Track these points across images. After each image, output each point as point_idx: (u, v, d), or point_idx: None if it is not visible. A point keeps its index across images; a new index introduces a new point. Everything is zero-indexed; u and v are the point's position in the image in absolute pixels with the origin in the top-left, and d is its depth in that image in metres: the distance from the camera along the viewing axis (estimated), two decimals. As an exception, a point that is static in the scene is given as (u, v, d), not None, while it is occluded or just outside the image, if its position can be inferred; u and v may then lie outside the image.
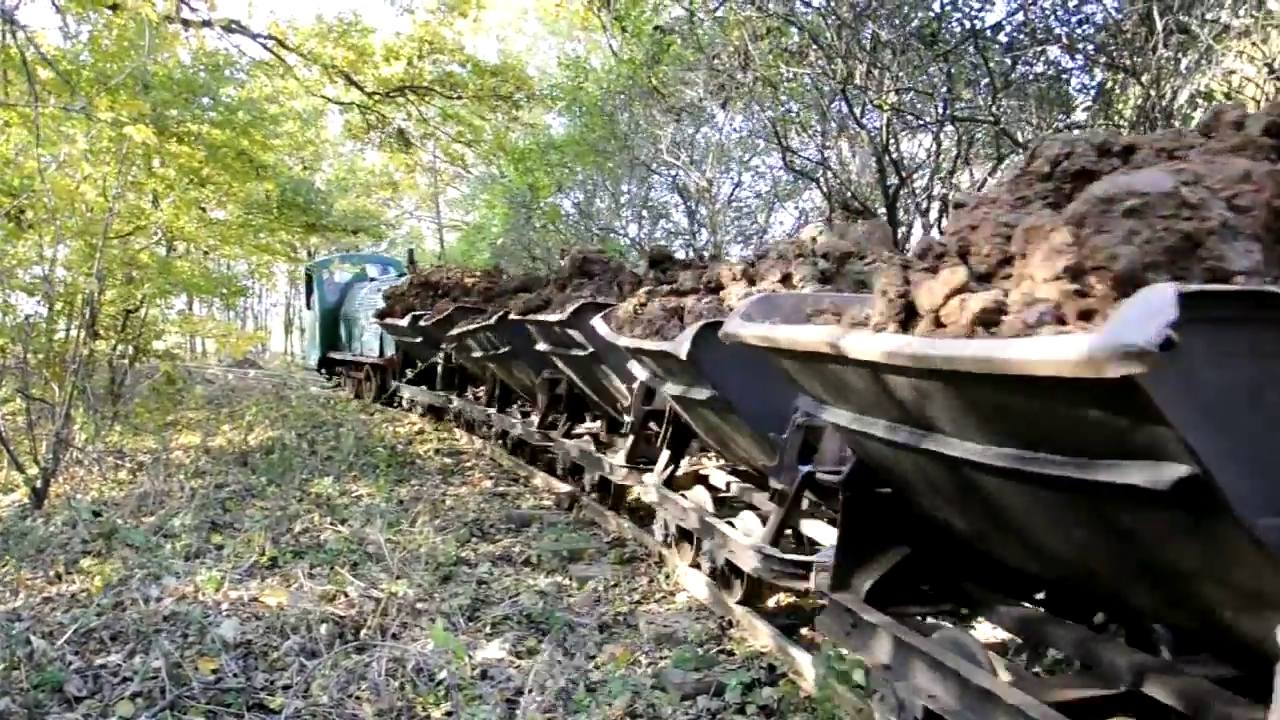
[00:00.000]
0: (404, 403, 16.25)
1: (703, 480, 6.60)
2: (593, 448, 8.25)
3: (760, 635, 5.04)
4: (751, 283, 5.61)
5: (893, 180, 11.52)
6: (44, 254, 10.57)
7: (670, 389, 5.61)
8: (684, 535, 6.19)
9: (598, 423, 8.97)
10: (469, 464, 11.29)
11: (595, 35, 21.18)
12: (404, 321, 14.02)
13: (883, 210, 11.65)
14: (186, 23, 14.07)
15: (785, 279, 5.50)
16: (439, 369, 13.97)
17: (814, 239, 5.86)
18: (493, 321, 9.74)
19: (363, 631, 4.94)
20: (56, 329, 11.07)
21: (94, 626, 4.89)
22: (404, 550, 6.63)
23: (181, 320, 18.03)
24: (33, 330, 10.51)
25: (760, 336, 3.43)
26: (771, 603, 5.62)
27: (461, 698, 4.19)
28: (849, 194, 12.52)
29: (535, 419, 9.82)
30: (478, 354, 11.10)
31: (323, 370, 21.99)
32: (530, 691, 4.29)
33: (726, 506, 6.11)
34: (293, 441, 11.47)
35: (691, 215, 20.52)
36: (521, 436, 10.31)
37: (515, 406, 11.58)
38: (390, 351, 16.92)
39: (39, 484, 8.19)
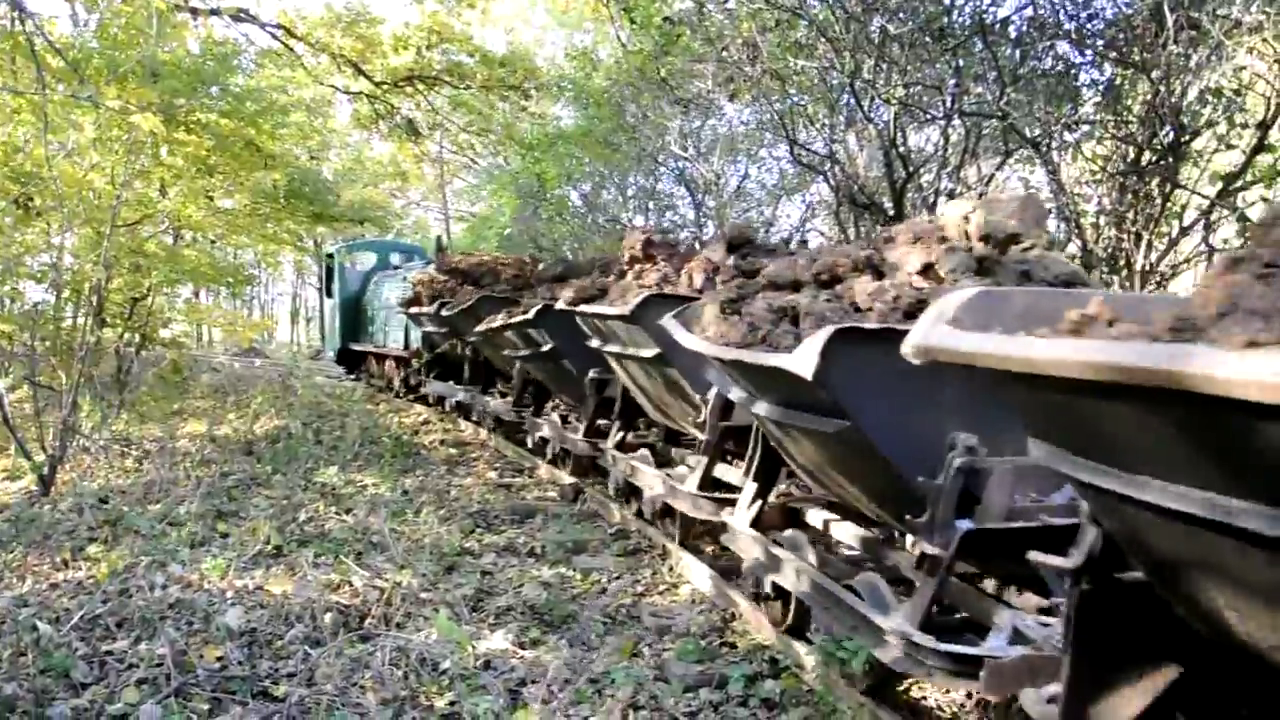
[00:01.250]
0: (430, 399, 15.41)
1: (796, 519, 5.31)
2: (651, 466, 7.05)
3: (763, 628, 5.05)
4: (879, 275, 4.52)
5: (900, 174, 11.49)
6: (52, 241, 10.63)
7: (765, 410, 4.41)
8: (780, 593, 4.91)
9: (652, 430, 8.04)
10: (474, 454, 11.31)
11: (604, 26, 21.15)
12: (429, 309, 13.12)
13: (890, 204, 11.62)
14: (195, 11, 14.07)
15: (926, 270, 4.38)
16: (465, 363, 13.29)
17: (966, 218, 4.47)
18: (532, 314, 8.52)
19: (367, 621, 4.96)
20: (64, 316, 11.12)
21: (100, 613, 4.91)
22: (408, 540, 6.66)
23: (188, 309, 18.09)
24: (40, 318, 10.57)
25: (1009, 356, 1.99)
26: (932, 700, 4.32)
27: (465, 688, 4.21)
28: (856, 187, 12.48)
29: (580, 425, 8.76)
30: (511, 349, 10.04)
31: (343, 362, 21.28)
32: (534, 682, 4.31)
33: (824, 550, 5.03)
34: (298, 430, 11.50)
35: (698, 207, 20.49)
36: (562, 442, 9.25)
37: (549, 407, 10.39)
38: (416, 343, 15.88)
39: (46, 471, 8.23)
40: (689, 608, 5.63)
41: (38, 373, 9.82)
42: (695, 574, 6.07)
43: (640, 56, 16.58)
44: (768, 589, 4.96)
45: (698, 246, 8.48)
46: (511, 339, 9.83)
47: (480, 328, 10.55)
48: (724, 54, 13.48)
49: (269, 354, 31.92)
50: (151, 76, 11.78)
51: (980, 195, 11.54)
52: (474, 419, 13.07)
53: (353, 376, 20.15)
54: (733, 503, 5.54)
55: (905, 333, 2.37)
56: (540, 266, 12.40)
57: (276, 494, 8.09)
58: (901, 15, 10.85)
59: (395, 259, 19.98)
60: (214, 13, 14.04)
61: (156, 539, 6.42)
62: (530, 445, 10.49)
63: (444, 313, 12.24)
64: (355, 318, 19.80)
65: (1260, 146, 8.62)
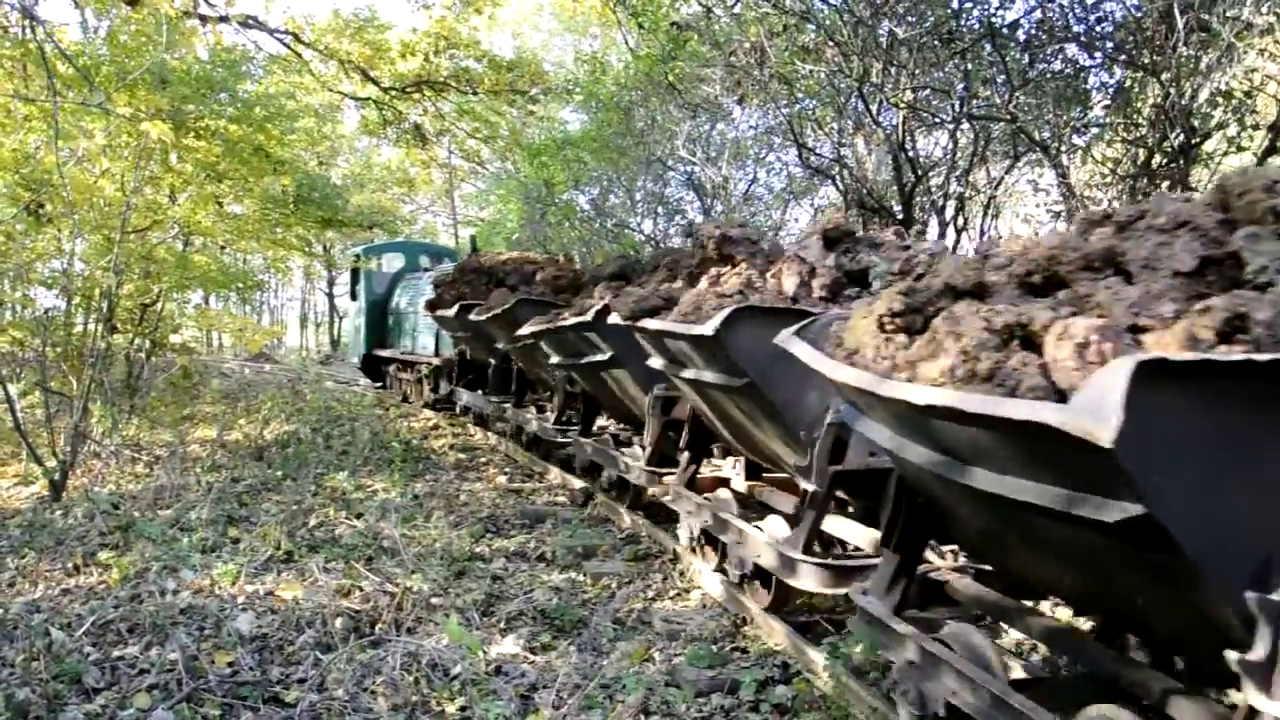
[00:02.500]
0: (457, 409, 14.42)
1: (940, 593, 4.15)
2: (735, 513, 5.78)
3: (775, 634, 5.04)
4: (1123, 274, 2.90)
5: (909, 178, 11.48)
6: (63, 248, 10.66)
7: (981, 480, 2.93)
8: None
9: (728, 460, 6.88)
10: (483, 459, 11.31)
11: (611, 31, 21.18)
12: (452, 312, 12.19)
13: (899, 208, 11.61)
14: (204, 18, 14.09)
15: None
16: (491, 371, 12.38)
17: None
18: (589, 316, 7.34)
19: (378, 626, 4.97)
20: (75, 323, 11.15)
21: (112, 618, 4.93)
22: (419, 545, 6.66)
23: (198, 314, 18.09)
24: (51, 324, 10.60)
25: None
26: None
27: (476, 693, 4.20)
28: (865, 191, 12.48)
29: (639, 448, 7.69)
30: (557, 360, 8.80)
31: (368, 370, 20.07)
32: (544, 688, 4.30)
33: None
34: (308, 436, 11.52)
35: (707, 212, 20.47)
36: (618, 470, 7.95)
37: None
38: (448, 350, 14.85)
39: (57, 477, 8.26)
40: (700, 612, 5.62)
41: (49, 379, 9.86)
42: (706, 579, 6.06)
43: (648, 61, 16.60)
44: (937, 712, 3.48)
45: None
46: (554, 347, 8.66)
47: (524, 331, 9.20)
48: (732, 58, 13.50)
49: (279, 359, 31.98)
50: (161, 83, 11.82)
51: (991, 198, 11.54)
52: (502, 433, 12.00)
53: (378, 385, 19.24)
54: (856, 572, 4.64)
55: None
56: (580, 266, 11.42)
57: (287, 499, 8.10)
58: (910, 19, 10.86)
59: (424, 261, 19.15)
60: (223, 19, 14.06)
61: (167, 544, 6.43)
62: (578, 469, 9.10)
63: (473, 317, 11.27)
64: (381, 322, 18.84)
65: (1272, 149, 8.59)
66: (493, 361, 12.13)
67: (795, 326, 4.22)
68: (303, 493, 8.40)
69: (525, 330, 9.14)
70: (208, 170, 13.81)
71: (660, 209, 22.74)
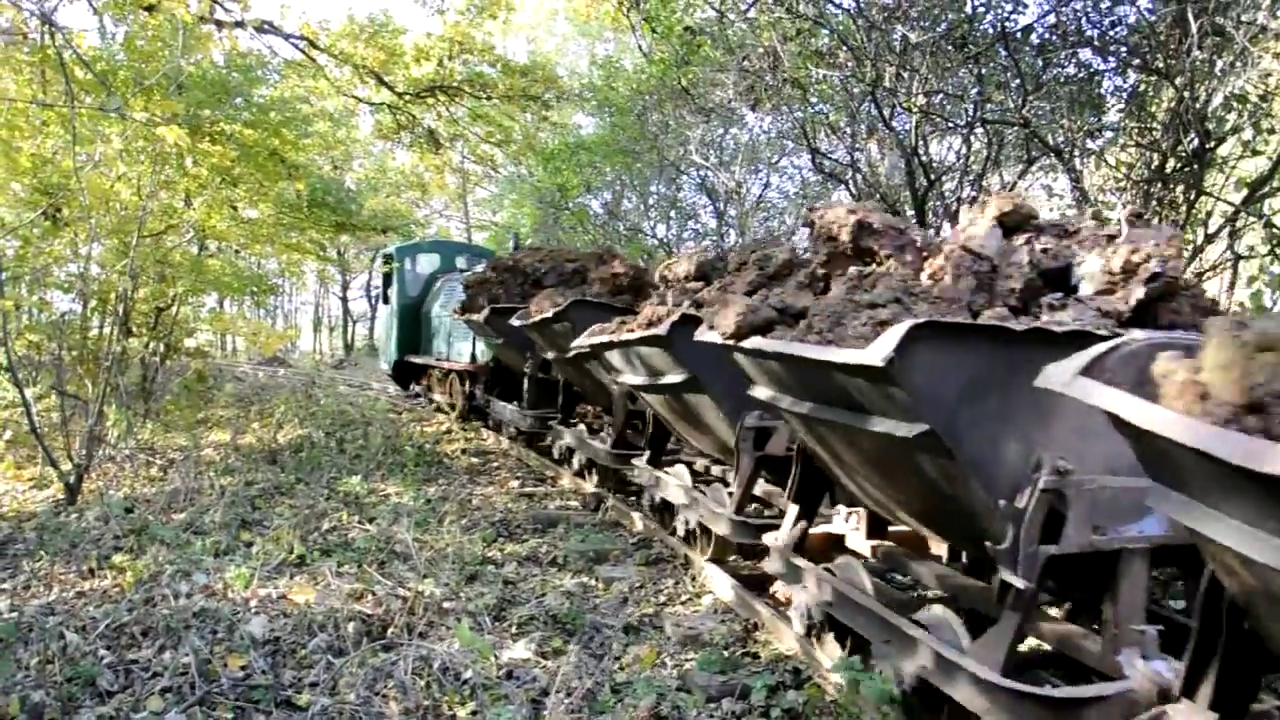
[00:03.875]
0: (490, 421, 13.55)
1: None
2: (867, 589, 4.54)
3: (785, 638, 5.03)
4: None
5: (922, 182, 11.45)
6: (79, 252, 10.71)
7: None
8: None
9: (840, 512, 5.39)
10: (496, 464, 11.33)
11: (625, 36, 21.22)
12: (482, 316, 11.17)
13: (911, 213, 11.59)
14: (220, 24, 14.19)
15: None
16: (527, 381, 11.37)
17: None
18: (661, 331, 5.97)
19: (389, 630, 4.98)
20: (90, 326, 11.21)
21: (125, 622, 4.95)
22: (431, 549, 6.67)
23: (212, 318, 18.17)
24: (67, 327, 10.66)
25: None
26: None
27: (487, 697, 4.21)
28: (878, 196, 12.46)
29: (729, 496, 6.23)
30: (614, 373, 7.55)
31: (399, 378, 18.97)
32: (556, 692, 4.31)
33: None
34: (321, 440, 11.56)
35: (720, 216, 20.50)
36: (702, 516, 6.50)
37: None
38: (484, 356, 13.85)
39: (72, 480, 8.30)
40: (711, 617, 5.62)
41: (65, 382, 9.91)
42: (718, 584, 6.06)
43: (661, 66, 16.63)
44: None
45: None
46: (617, 361, 7.22)
47: (580, 342, 7.60)
48: (745, 63, 13.49)
49: (292, 363, 32.10)
50: (177, 88, 11.88)
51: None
52: (556, 457, 10.58)
53: (412, 394, 18.20)
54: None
55: None
56: (641, 265, 9.90)
57: (300, 503, 8.13)
58: (923, 24, 10.83)
59: (461, 262, 17.94)
60: (239, 25, 14.16)
61: (181, 548, 6.47)
62: (648, 506, 7.77)
63: (515, 322, 10.01)
64: (415, 327, 17.69)
65: (1287, 152, 8.55)
66: (527, 371, 11.26)
67: (1081, 358, 2.76)
68: (316, 497, 8.43)
69: (582, 341, 7.55)
70: (223, 174, 13.88)
71: (673, 213, 22.77)
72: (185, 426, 12.41)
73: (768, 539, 5.38)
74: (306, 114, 18.88)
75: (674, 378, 6.26)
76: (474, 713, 4.12)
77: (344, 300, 45.72)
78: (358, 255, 42.12)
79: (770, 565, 5.29)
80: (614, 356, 7.21)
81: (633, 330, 6.57)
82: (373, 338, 46.59)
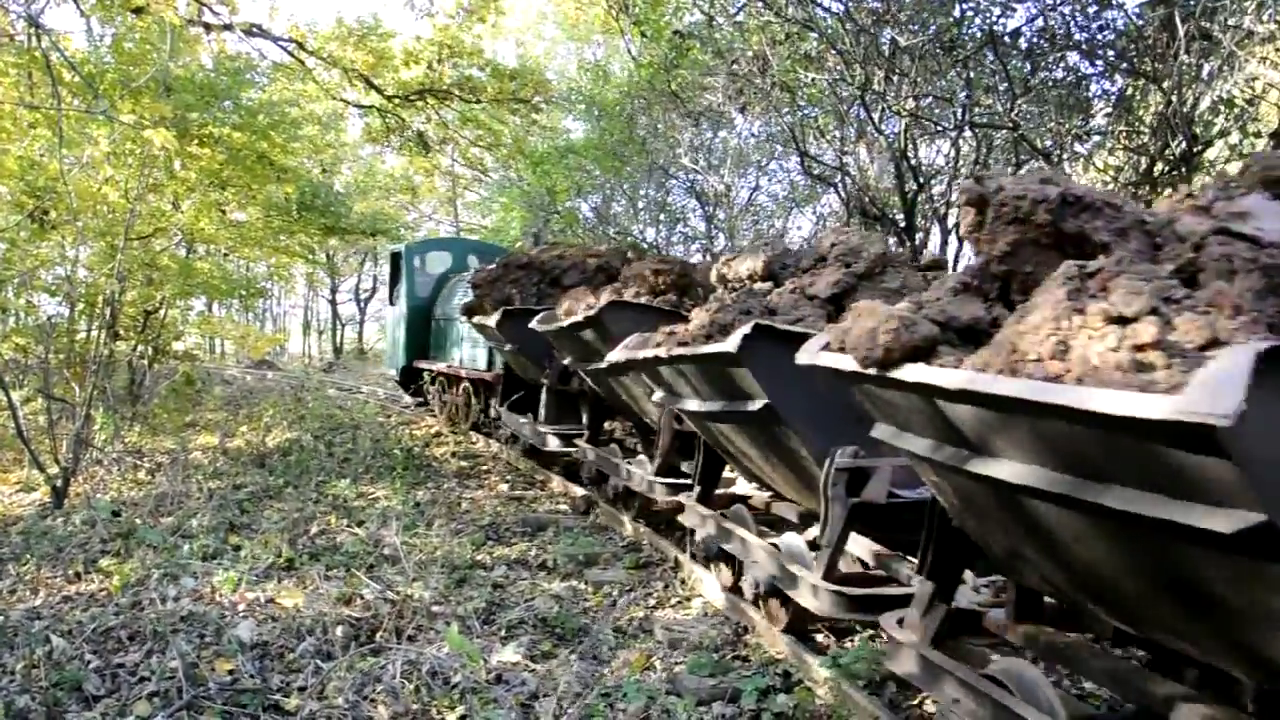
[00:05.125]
0: (503, 436, 12.14)
1: None
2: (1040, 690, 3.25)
3: (775, 642, 5.03)
4: None
5: (911, 186, 11.49)
6: (66, 254, 10.68)
7: None
8: None
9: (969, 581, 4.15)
10: (485, 467, 11.31)
11: (614, 39, 21.25)
12: (493, 320, 9.86)
13: (901, 216, 11.62)
14: (208, 26, 14.15)
15: None
16: (545, 392, 10.04)
17: None
18: (730, 347, 4.53)
19: (378, 634, 4.96)
20: (78, 329, 11.17)
21: (112, 626, 4.93)
22: (420, 553, 6.65)
23: (201, 321, 18.14)
24: (54, 330, 10.62)
25: None
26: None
27: (476, 701, 4.20)
28: (867, 199, 12.49)
29: (816, 538, 4.78)
30: (665, 390, 5.96)
31: (408, 385, 17.19)
32: (545, 696, 4.30)
33: None
34: (310, 443, 11.52)
35: (709, 219, 20.50)
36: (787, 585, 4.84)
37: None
38: (500, 363, 12.37)
39: (59, 483, 8.26)
40: (701, 620, 5.61)
41: (52, 385, 9.87)
42: (707, 587, 6.05)
43: (650, 69, 16.64)
44: None
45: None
46: (666, 376, 5.75)
47: (618, 355, 6.22)
48: (734, 67, 13.52)
49: (281, 367, 32.02)
50: (165, 91, 11.86)
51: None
52: (585, 481, 9.08)
53: (420, 403, 16.99)
54: None
55: None
56: (689, 264, 8.27)
57: (288, 507, 8.10)
58: (912, 28, 10.87)
59: (474, 261, 16.33)
60: (227, 28, 14.12)
61: (168, 552, 6.44)
62: (700, 556, 6.29)
63: (537, 326, 8.67)
64: (424, 331, 16.30)
65: (1274, 157, 8.59)
66: (545, 381, 9.89)
67: None
68: (304, 500, 8.41)
69: (621, 355, 6.17)
70: (211, 177, 13.87)
71: (663, 217, 22.77)
72: (173, 430, 12.37)
73: (889, 625, 3.91)
74: (295, 117, 18.86)
75: (743, 405, 4.84)
76: (463, 717, 4.11)
77: (333, 304, 45.63)
78: (346, 258, 42.05)
79: (898, 663, 3.82)
80: (662, 372, 5.78)
81: (685, 340, 5.30)
82: (361, 340, 46.57)
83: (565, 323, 7.77)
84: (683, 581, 6.37)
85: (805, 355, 3.66)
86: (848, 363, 3.29)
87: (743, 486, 6.47)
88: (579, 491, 9.00)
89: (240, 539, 6.98)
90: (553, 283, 9.87)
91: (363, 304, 46.26)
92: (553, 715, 4.11)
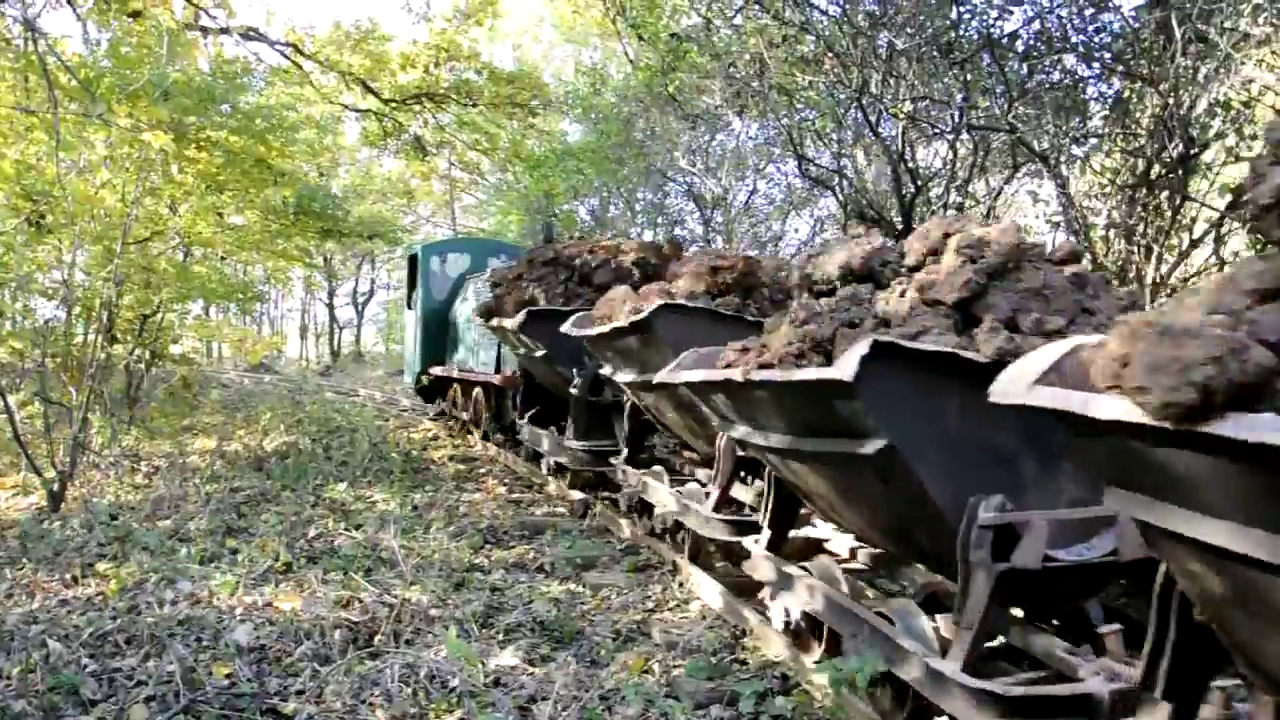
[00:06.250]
0: (523, 448, 11.19)
1: None
2: None
3: (773, 644, 5.02)
4: None
5: (908, 189, 11.49)
6: (63, 258, 10.65)
7: None
8: None
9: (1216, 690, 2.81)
10: (483, 470, 11.30)
11: (612, 43, 21.27)
12: (515, 322, 9.10)
13: (898, 219, 11.62)
14: (205, 30, 14.15)
15: None
16: (574, 403, 8.96)
17: None
18: (844, 375, 3.45)
19: (376, 638, 4.95)
20: (75, 333, 11.15)
21: (109, 630, 4.91)
22: (418, 556, 6.64)
23: (198, 325, 18.10)
24: (51, 334, 10.60)
25: None
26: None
27: (474, 705, 4.19)
28: (864, 202, 12.50)
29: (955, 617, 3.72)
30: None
31: (424, 392, 16.56)
32: (543, 699, 4.29)
33: None
34: (307, 447, 11.51)
35: (706, 222, 20.52)
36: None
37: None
38: (511, 366, 11.60)
39: (56, 487, 8.24)
40: (699, 623, 5.61)
41: (48, 389, 9.85)
42: (705, 590, 6.05)
43: (648, 72, 16.65)
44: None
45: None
46: (733, 405, 4.71)
47: (687, 376, 4.95)
48: (731, 70, 13.53)
49: (279, 370, 32.00)
50: (162, 95, 11.83)
51: (990, 209, 11.56)
52: (625, 509, 7.92)
53: (438, 413, 16.13)
54: None
55: None
56: (755, 261, 6.92)
57: (286, 510, 8.09)
58: (909, 30, 10.87)
59: (496, 262, 14.69)
60: (224, 31, 14.12)
61: (166, 555, 6.42)
62: (781, 621, 4.95)
63: (571, 330, 7.78)
64: (441, 336, 15.30)
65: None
66: (574, 391, 8.83)
67: None
68: (302, 504, 8.39)
69: (688, 375, 4.95)
70: (208, 181, 13.85)
71: (660, 219, 22.79)
72: (170, 433, 12.36)
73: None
74: (292, 121, 18.83)
75: (851, 445, 3.75)
76: (461, 720, 4.10)
77: (330, 307, 45.60)
78: (344, 262, 42.03)
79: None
80: (717, 400, 4.81)
81: (769, 361, 4.17)
82: (357, 343, 46.54)
83: (610, 327, 6.79)
84: (680, 584, 6.36)
85: (1014, 392, 2.42)
86: (1125, 411, 2.05)
87: (819, 524, 5.53)
88: (576, 495, 8.99)
89: (238, 542, 6.97)
90: (582, 280, 9.11)
91: (360, 307, 46.27)
92: (550, 718, 4.11)
